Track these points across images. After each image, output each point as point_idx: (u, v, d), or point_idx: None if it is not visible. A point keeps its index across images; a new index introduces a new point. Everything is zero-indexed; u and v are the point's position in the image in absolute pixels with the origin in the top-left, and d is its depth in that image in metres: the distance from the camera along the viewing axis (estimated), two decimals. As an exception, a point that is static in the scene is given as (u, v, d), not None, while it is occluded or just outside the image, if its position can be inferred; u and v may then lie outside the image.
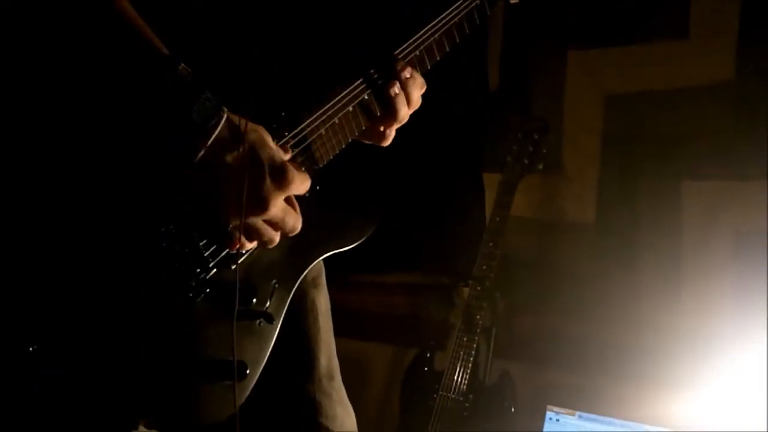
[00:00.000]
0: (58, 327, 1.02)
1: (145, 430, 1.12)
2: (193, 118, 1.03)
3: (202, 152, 1.03)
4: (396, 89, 1.33)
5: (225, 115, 1.05)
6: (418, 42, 1.39)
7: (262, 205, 1.06)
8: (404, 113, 1.37)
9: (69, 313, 1.03)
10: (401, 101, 1.35)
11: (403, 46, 1.38)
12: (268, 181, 1.06)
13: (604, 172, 3.01)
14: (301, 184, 1.11)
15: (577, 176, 3.06)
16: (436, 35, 1.42)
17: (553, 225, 3.09)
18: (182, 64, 1.03)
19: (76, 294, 1.03)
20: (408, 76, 1.35)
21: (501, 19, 3.21)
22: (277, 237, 1.12)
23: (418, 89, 1.37)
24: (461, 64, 3.01)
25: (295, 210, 1.13)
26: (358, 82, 1.32)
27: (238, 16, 1.26)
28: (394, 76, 1.34)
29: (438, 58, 1.43)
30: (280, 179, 1.07)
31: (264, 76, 1.27)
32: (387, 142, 1.43)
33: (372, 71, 1.34)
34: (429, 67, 1.42)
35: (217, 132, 1.04)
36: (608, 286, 2.87)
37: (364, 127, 1.35)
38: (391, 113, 1.35)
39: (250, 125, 1.08)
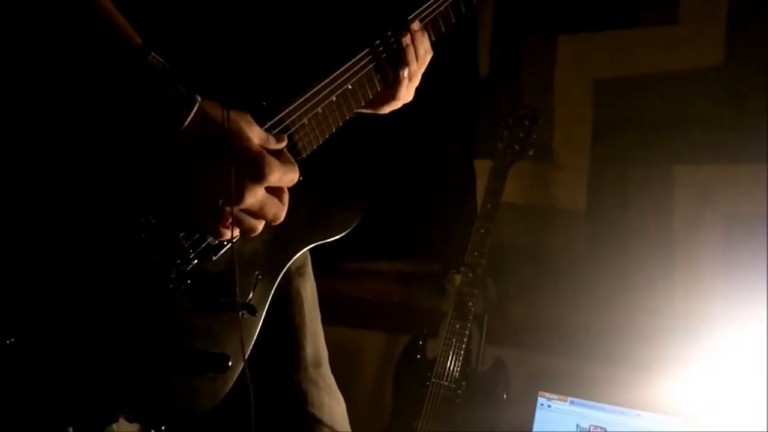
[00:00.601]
0: (36, 319, 1.01)
1: (125, 423, 1.12)
2: (163, 107, 1.02)
3: (172, 142, 1.02)
4: (407, 40, 1.40)
5: (196, 105, 1.04)
6: (427, 12, 1.46)
7: (237, 196, 1.05)
8: (414, 68, 1.43)
9: (48, 305, 1.02)
10: (411, 54, 1.41)
11: (414, 14, 1.44)
12: (243, 171, 1.05)
13: (595, 158, 3.00)
14: (284, 175, 1.10)
15: (568, 162, 3.05)
16: (441, 7, 1.47)
17: (545, 211, 3.09)
18: (152, 54, 1.02)
19: (55, 287, 1.03)
20: (417, 29, 1.42)
21: (490, 6, 3.20)
22: (258, 225, 1.11)
23: (424, 46, 1.44)
24: (451, 52, 3.01)
25: (279, 199, 1.12)
26: (356, 59, 1.34)
27: (237, 11, 1.26)
28: (405, 28, 1.40)
29: (443, 30, 1.49)
30: (255, 171, 1.06)
31: (258, 65, 1.27)
32: (399, 103, 1.49)
33: (382, 38, 1.38)
34: (433, 39, 1.47)
35: (187, 121, 1.03)
36: (600, 272, 2.88)
37: (355, 111, 1.36)
38: (402, 64, 1.41)
39: (233, 113, 1.06)
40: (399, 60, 1.41)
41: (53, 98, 1.03)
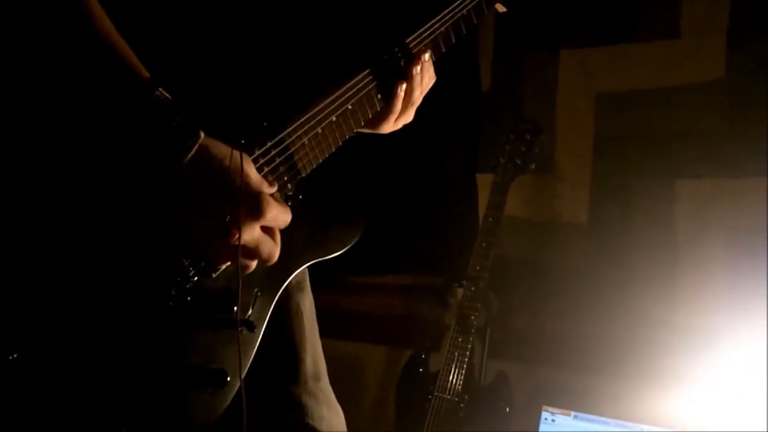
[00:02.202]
0: (38, 335, 1.02)
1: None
2: (167, 141, 1.04)
3: (173, 175, 1.05)
4: (416, 69, 1.41)
5: (199, 141, 1.06)
6: (427, 33, 1.46)
7: (234, 233, 1.07)
8: (417, 94, 1.44)
9: (50, 321, 1.03)
10: (417, 81, 1.41)
11: (413, 36, 1.44)
12: (240, 208, 1.07)
13: (597, 172, 3.01)
14: (278, 216, 1.13)
15: (570, 176, 3.06)
16: (442, 28, 1.48)
17: (547, 225, 3.10)
18: (159, 89, 1.04)
19: (57, 303, 1.04)
20: (426, 59, 1.43)
21: (492, 19, 3.22)
22: (252, 264, 1.14)
23: (429, 73, 1.46)
24: (453, 65, 3.02)
25: (273, 238, 1.14)
26: (356, 79, 1.35)
27: (236, 17, 1.27)
28: (411, 57, 1.41)
29: (443, 51, 1.49)
30: (254, 209, 1.08)
31: (261, 79, 1.28)
32: (399, 124, 1.49)
33: (383, 58, 1.39)
34: (434, 59, 1.47)
35: (189, 156, 1.05)
36: (602, 285, 2.88)
37: (355, 131, 1.37)
38: (407, 90, 1.42)
39: (232, 150, 1.09)
40: (402, 84, 1.42)
41: (59, 126, 1.05)
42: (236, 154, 1.09)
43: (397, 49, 1.41)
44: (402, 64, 1.41)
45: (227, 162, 1.08)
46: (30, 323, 1.03)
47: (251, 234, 1.09)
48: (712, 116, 2.80)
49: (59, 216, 1.05)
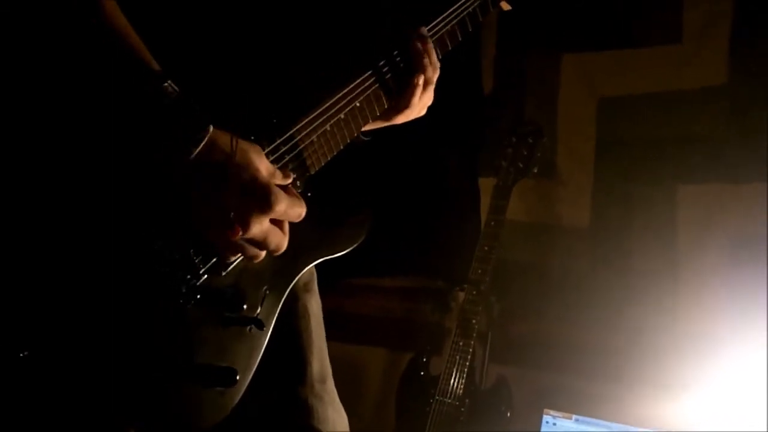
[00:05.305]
0: (49, 332, 1.02)
1: (135, 435, 1.12)
2: (175, 134, 1.04)
3: (182, 168, 1.04)
4: (421, 46, 1.41)
5: (208, 134, 1.06)
6: (435, 29, 1.47)
7: (243, 226, 1.06)
8: (429, 74, 1.43)
9: (60, 318, 1.03)
10: (425, 61, 1.41)
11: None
12: (250, 201, 1.07)
13: (599, 176, 3.02)
14: (290, 208, 1.12)
15: (572, 180, 3.06)
16: (449, 26, 1.48)
17: (548, 229, 3.10)
18: (168, 81, 1.04)
19: (66, 300, 1.03)
20: (427, 33, 1.43)
21: (495, 23, 3.22)
22: (261, 254, 1.13)
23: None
24: (455, 69, 3.03)
25: (281, 230, 1.13)
26: (362, 78, 1.34)
27: (245, 14, 1.27)
28: (415, 37, 1.41)
29: (449, 48, 1.50)
30: (262, 202, 1.08)
31: (270, 75, 1.28)
32: (412, 113, 1.48)
33: (387, 56, 1.38)
34: (440, 57, 1.47)
35: (198, 150, 1.04)
36: (604, 290, 2.88)
37: (364, 128, 1.37)
38: (416, 72, 1.41)
39: (243, 144, 1.09)
40: (410, 70, 1.42)
41: (68, 118, 1.05)
42: (245, 146, 1.08)
43: (399, 48, 1.42)
44: (406, 56, 1.42)
45: (236, 155, 1.07)
46: (40, 321, 1.02)
47: (260, 227, 1.08)
48: (714, 122, 2.81)
49: (68, 211, 1.05)
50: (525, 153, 2.92)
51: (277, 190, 1.10)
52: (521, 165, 2.91)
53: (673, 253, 2.82)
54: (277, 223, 1.12)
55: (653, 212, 2.88)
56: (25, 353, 1.00)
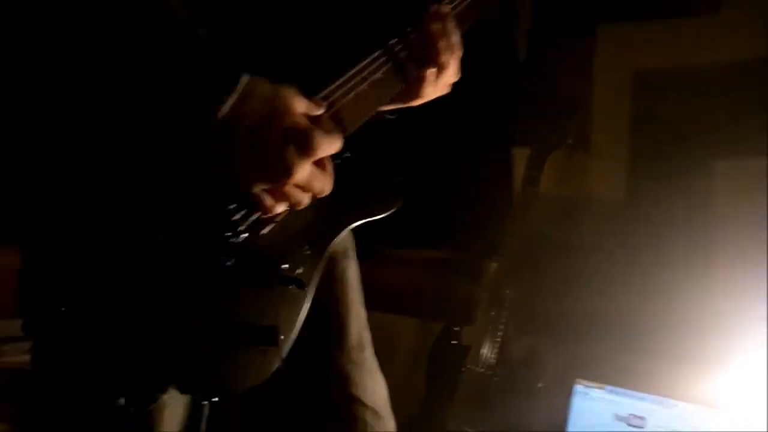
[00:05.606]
0: (88, 289, 1.03)
1: (176, 394, 1.13)
2: (211, 82, 1.03)
3: (219, 116, 1.02)
4: (436, 26, 1.33)
5: (246, 80, 1.04)
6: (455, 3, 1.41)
7: (286, 173, 1.05)
8: (445, 58, 1.35)
9: (100, 276, 1.04)
10: (440, 44, 1.33)
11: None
12: (291, 148, 1.05)
13: (634, 149, 2.98)
14: (330, 146, 1.09)
15: (607, 153, 3.04)
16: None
17: (582, 201, 3.08)
18: (201, 28, 1.03)
19: (107, 257, 1.04)
20: (447, 11, 1.35)
21: (531, -8, 3.19)
22: (306, 199, 1.11)
23: (456, 36, 1.37)
24: (489, 37, 3.01)
25: (324, 171, 1.11)
26: (391, 43, 1.30)
27: None
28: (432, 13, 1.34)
29: (475, 19, 1.45)
30: (305, 146, 1.05)
31: (304, 35, 1.26)
32: (428, 97, 1.41)
33: (406, 29, 1.33)
34: (466, 29, 1.41)
35: (236, 95, 1.03)
36: (636, 264, 2.86)
37: (395, 92, 1.34)
38: (431, 60, 1.34)
39: (278, 88, 1.07)
40: (423, 53, 1.35)
41: (101, 71, 1.05)
42: (281, 90, 1.07)
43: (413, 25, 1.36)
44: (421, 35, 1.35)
45: (274, 100, 1.05)
46: (81, 278, 1.03)
47: (302, 173, 1.06)
48: (752, 95, 2.76)
49: (106, 166, 1.05)
50: (559, 124, 2.89)
51: (318, 132, 1.07)
52: (555, 136, 2.89)
53: (708, 226, 2.79)
54: (320, 164, 1.11)
55: (689, 186, 2.85)
56: (64, 309, 1.01)
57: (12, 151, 1.09)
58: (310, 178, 1.09)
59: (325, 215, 1.23)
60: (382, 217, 1.36)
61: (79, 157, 1.06)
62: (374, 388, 1.56)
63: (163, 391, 1.10)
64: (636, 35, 3.01)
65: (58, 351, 1.10)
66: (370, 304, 1.62)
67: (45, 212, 1.07)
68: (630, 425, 2.52)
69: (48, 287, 1.04)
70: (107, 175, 1.06)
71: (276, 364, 1.14)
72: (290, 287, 1.17)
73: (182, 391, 1.11)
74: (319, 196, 1.12)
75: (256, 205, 1.10)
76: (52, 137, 1.08)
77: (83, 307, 1.03)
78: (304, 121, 1.08)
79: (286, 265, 1.17)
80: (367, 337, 1.58)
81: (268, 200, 1.09)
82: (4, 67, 1.05)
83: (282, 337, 1.12)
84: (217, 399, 1.11)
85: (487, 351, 2.74)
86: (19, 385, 1.29)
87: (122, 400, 1.05)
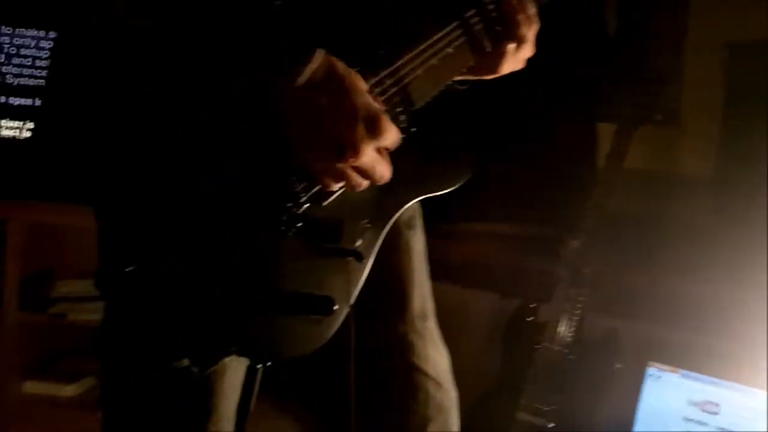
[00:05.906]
0: (155, 252, 1.06)
1: (237, 358, 1.16)
2: (287, 54, 1.04)
3: (297, 84, 1.03)
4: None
5: (321, 55, 1.05)
6: None
7: (354, 152, 1.05)
8: (524, 31, 1.31)
9: (166, 239, 1.07)
10: (523, 18, 1.30)
11: None
12: (361, 128, 1.05)
13: (725, 125, 2.88)
14: (392, 137, 1.10)
15: (697, 128, 2.94)
16: None
17: (668, 179, 2.99)
18: (278, 1, 1.04)
19: (176, 222, 1.08)
20: None
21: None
22: (364, 183, 1.12)
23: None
24: (577, 8, 2.93)
25: (385, 159, 1.12)
26: (468, 15, 1.28)
27: None
28: None
29: None
30: (374, 128, 1.06)
31: (375, 8, 1.26)
32: (504, 69, 1.37)
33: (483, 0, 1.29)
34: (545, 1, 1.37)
35: (310, 68, 1.04)
36: (722, 245, 2.77)
37: (467, 66, 1.32)
38: (510, 35, 1.30)
39: (349, 69, 1.08)
40: (502, 26, 1.31)
41: (178, 43, 1.07)
42: (353, 72, 1.08)
43: None
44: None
45: (347, 80, 1.06)
46: (151, 240, 1.07)
47: (368, 155, 1.07)
48: None
49: (173, 133, 1.07)
50: (648, 98, 2.80)
51: (387, 117, 1.09)
52: (643, 111, 2.80)
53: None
54: (379, 153, 1.11)
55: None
56: (131, 268, 1.04)
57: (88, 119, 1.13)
58: (374, 162, 1.09)
59: (387, 190, 1.22)
60: (446, 192, 1.35)
61: (151, 125, 1.09)
62: (437, 358, 1.57)
63: (227, 354, 1.13)
64: (731, 5, 2.89)
65: (126, 311, 1.14)
66: (446, 276, 1.62)
67: (118, 176, 1.10)
68: (704, 411, 2.46)
69: (119, 248, 1.08)
70: (172, 141, 1.09)
71: (329, 334, 1.15)
72: (348, 259, 1.18)
73: (241, 354, 1.14)
74: (378, 183, 1.13)
75: (318, 178, 1.11)
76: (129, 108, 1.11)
77: (152, 269, 1.06)
78: (375, 105, 1.08)
79: (345, 237, 1.18)
80: (430, 307, 1.58)
81: (328, 178, 1.10)
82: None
83: (336, 307, 1.12)
84: (270, 364, 1.14)
85: (564, 329, 2.70)
86: (96, 343, 1.34)
87: (186, 361, 1.09)
